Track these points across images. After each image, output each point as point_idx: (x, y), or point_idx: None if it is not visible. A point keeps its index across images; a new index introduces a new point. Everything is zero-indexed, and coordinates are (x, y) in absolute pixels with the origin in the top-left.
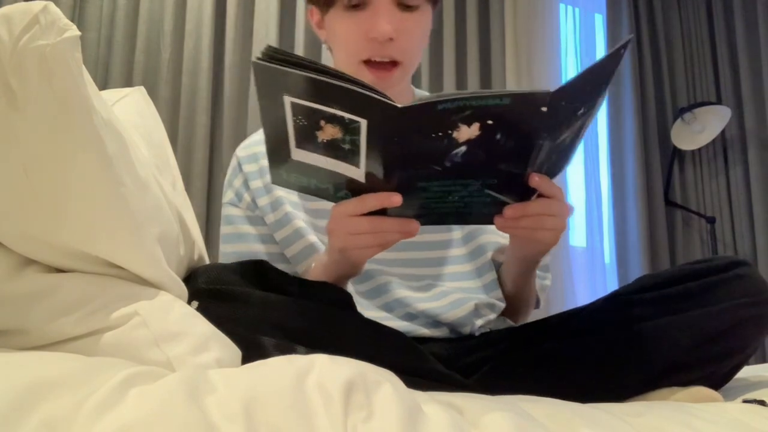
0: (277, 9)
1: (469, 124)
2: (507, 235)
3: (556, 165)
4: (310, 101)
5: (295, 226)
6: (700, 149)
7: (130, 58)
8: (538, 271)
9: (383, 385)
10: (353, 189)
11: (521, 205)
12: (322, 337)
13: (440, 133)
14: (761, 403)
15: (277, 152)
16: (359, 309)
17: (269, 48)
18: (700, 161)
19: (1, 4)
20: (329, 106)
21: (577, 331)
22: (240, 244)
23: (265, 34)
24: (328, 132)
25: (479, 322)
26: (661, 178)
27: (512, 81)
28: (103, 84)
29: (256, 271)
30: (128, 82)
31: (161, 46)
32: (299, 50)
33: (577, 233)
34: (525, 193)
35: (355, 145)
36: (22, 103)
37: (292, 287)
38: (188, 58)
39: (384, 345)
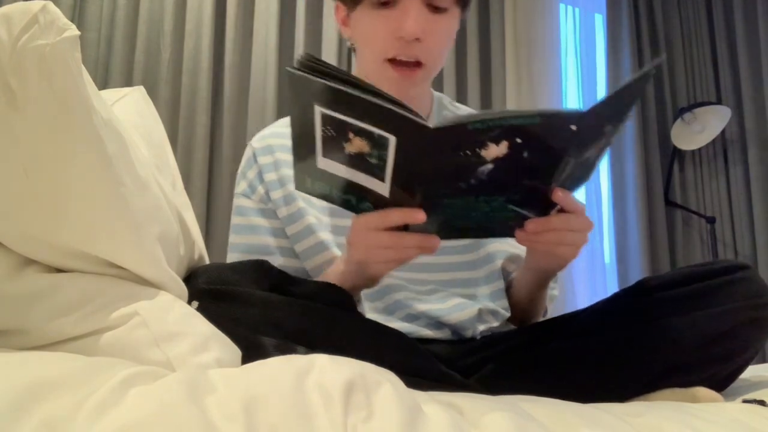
0: (277, 9)
1: (497, 143)
2: (516, 244)
3: (578, 180)
4: (341, 114)
5: (307, 221)
6: (700, 149)
7: (130, 58)
8: None
9: (383, 385)
10: (376, 202)
11: (543, 219)
12: (323, 337)
13: (468, 152)
14: (761, 403)
15: (303, 159)
16: (360, 310)
17: (306, 55)
18: (700, 161)
19: (0, 4)
20: (360, 120)
21: (577, 332)
22: (251, 236)
23: (265, 34)
24: (356, 145)
25: (481, 327)
26: (661, 178)
27: (512, 81)
28: (103, 84)
29: (256, 270)
30: (128, 82)
31: (161, 46)
32: (299, 50)
33: None
34: (545, 206)
35: (382, 160)
36: (22, 103)
37: (293, 287)
38: (188, 58)
39: (384, 345)
